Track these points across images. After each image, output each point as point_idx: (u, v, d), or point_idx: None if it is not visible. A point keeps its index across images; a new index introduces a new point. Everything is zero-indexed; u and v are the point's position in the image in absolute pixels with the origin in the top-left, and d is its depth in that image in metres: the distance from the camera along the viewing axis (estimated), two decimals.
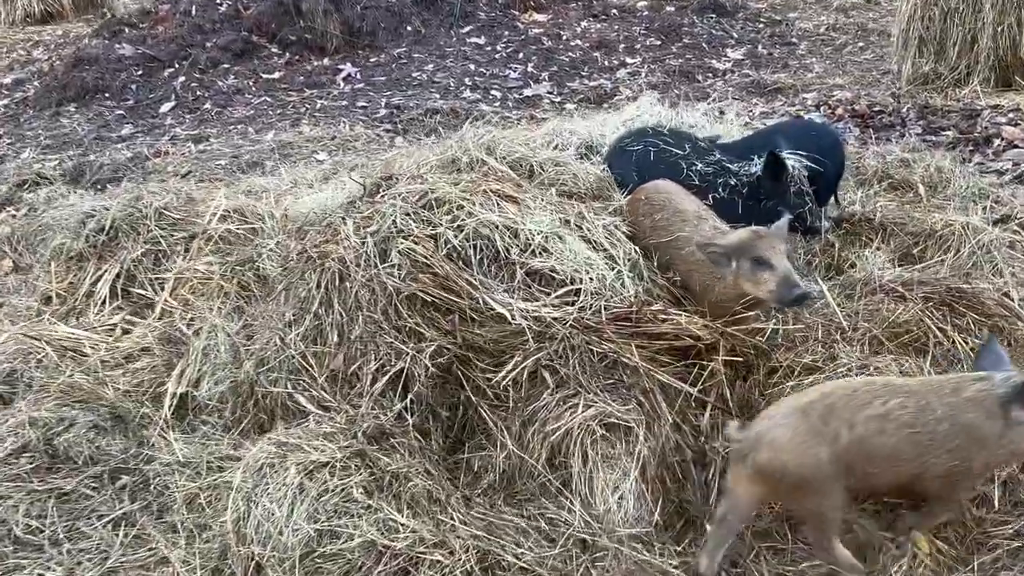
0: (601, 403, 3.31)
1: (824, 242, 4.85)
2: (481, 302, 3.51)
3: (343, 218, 3.92)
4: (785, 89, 8.77)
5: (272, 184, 6.22)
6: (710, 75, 9.52)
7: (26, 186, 6.90)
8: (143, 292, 4.58)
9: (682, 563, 3.09)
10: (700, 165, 4.47)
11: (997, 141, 6.89)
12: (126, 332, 4.39)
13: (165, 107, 8.69)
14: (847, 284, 3.94)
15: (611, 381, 3.40)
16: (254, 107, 8.55)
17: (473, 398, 3.44)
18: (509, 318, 3.45)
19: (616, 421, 3.29)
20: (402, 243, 3.65)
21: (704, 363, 3.55)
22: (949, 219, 4.66)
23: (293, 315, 3.71)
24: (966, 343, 3.65)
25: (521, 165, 4.49)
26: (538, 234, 3.71)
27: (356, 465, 3.15)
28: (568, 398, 3.35)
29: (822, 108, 8.01)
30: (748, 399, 3.54)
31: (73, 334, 4.35)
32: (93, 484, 3.50)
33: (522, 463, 3.31)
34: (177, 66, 9.16)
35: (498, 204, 3.87)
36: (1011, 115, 7.35)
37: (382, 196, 4.00)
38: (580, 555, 3.08)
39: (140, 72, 9.19)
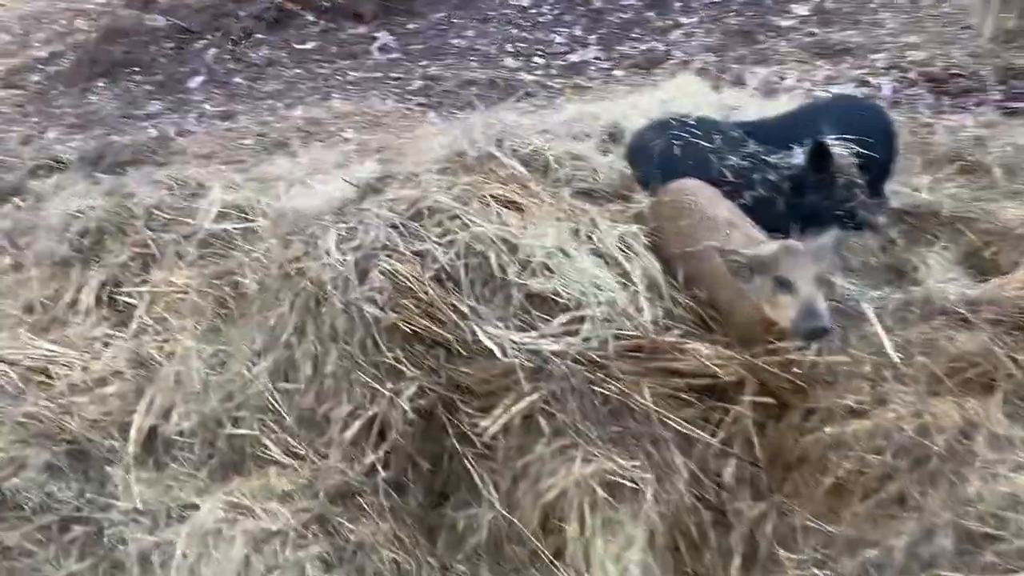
0: (603, 457, 2.83)
1: (884, 239, 4.27)
2: (469, 333, 3.03)
3: (326, 228, 3.47)
4: (854, 49, 8.03)
5: (288, 169, 5.78)
6: (772, 34, 8.79)
7: (41, 171, 6.56)
8: (131, 301, 4.18)
9: None
10: (734, 159, 3.92)
11: None
12: (107, 347, 4.01)
13: (195, 82, 8.31)
14: (901, 305, 3.36)
15: (617, 429, 2.92)
16: (285, 80, 8.13)
17: (458, 447, 2.97)
18: (499, 354, 2.97)
19: (620, 479, 2.79)
20: (384, 262, 3.19)
21: (729, 404, 3.04)
22: None
23: (264, 343, 3.29)
24: None
25: (535, 159, 4.00)
26: (540, 249, 3.22)
27: (314, 533, 2.74)
28: (565, 449, 2.89)
29: (893, 72, 7.31)
30: (780, 447, 3.01)
31: (50, 351, 3.98)
32: (40, 537, 3.13)
33: (511, 526, 2.84)
34: (209, 37, 8.78)
35: (498, 212, 3.39)
36: None
37: (371, 202, 3.54)
38: None
39: (171, 44, 8.83)
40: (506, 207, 3.45)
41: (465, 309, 3.11)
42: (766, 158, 3.95)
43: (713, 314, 3.40)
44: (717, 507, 2.93)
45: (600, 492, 2.79)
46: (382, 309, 3.10)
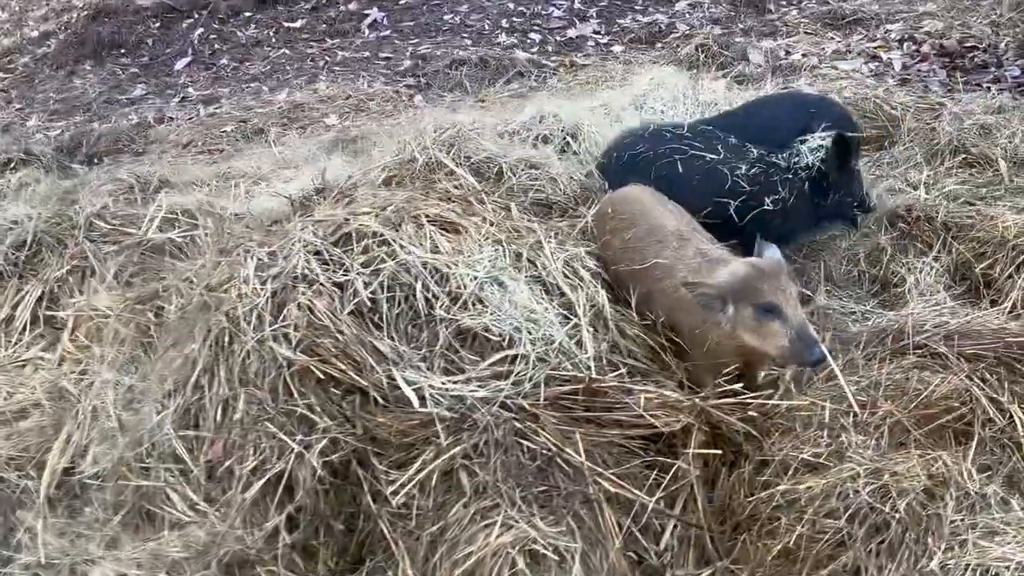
0: (524, 522, 2.54)
1: (874, 246, 3.96)
2: (386, 379, 2.76)
3: (248, 251, 3.20)
4: (867, 20, 7.62)
5: (257, 164, 5.54)
6: (783, 3, 8.39)
7: (12, 165, 6.33)
8: (63, 315, 3.94)
9: None
10: (743, 167, 3.65)
11: None
12: (37, 371, 3.77)
13: (180, 63, 8.06)
14: (873, 337, 3.05)
15: (544, 488, 2.63)
16: (271, 61, 7.85)
17: (372, 508, 2.70)
18: (416, 403, 2.70)
19: (544, 549, 2.51)
20: (302, 295, 2.92)
21: (678, 453, 2.76)
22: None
23: (175, 382, 3.02)
24: None
25: (488, 167, 3.70)
26: (472, 280, 2.93)
27: None
28: (487, 511, 2.60)
29: (906, 44, 6.90)
30: (730, 503, 2.73)
31: None
32: None
33: None
34: (196, 16, 8.50)
35: (432, 236, 3.09)
36: None
37: (296, 223, 3.26)
38: None
39: (158, 24, 8.58)
40: (443, 229, 3.15)
41: (385, 350, 2.83)
42: (775, 161, 3.72)
43: (667, 343, 3.11)
44: (658, 572, 2.65)
45: (521, 562, 2.51)
46: (296, 349, 2.82)
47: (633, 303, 3.17)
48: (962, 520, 2.52)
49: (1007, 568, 2.42)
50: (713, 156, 3.69)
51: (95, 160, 6.62)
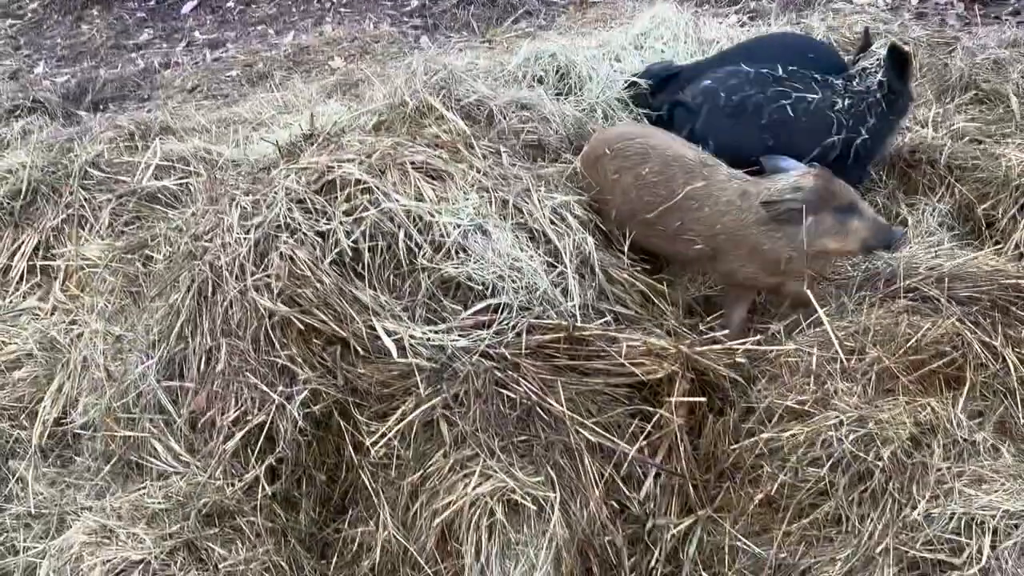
0: (503, 472, 2.52)
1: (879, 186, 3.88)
2: (367, 329, 2.73)
3: (233, 199, 3.16)
4: None
5: (259, 109, 5.48)
6: None
7: (17, 113, 6.31)
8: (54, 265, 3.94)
9: None
10: (840, 103, 3.56)
11: None
12: (32, 321, 3.78)
13: (187, 7, 7.98)
14: (864, 281, 2.98)
15: (524, 438, 2.61)
16: (277, 3, 7.75)
17: (353, 458, 2.69)
18: (395, 353, 2.67)
19: (522, 498, 2.50)
20: (285, 244, 2.88)
21: (661, 401, 2.73)
22: None
23: (159, 332, 3.01)
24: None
25: (479, 109, 3.63)
26: (455, 228, 2.88)
27: (181, 562, 2.48)
28: (466, 461, 2.59)
29: None
30: (714, 451, 2.70)
31: None
32: None
33: (407, 548, 2.57)
34: None
35: (416, 184, 3.04)
36: None
37: (280, 171, 3.21)
38: None
39: None
40: (429, 176, 3.10)
41: (367, 300, 2.79)
42: (859, 89, 3.62)
43: (650, 292, 3.06)
44: (639, 522, 2.63)
45: (499, 512, 2.50)
46: (277, 299, 2.79)
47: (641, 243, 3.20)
48: (949, 468, 2.48)
49: (993, 517, 2.38)
50: (813, 96, 3.55)
51: (100, 107, 6.58)
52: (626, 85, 4.01)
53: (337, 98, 5.38)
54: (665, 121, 3.70)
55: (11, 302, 3.90)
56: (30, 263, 4.00)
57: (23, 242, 4.07)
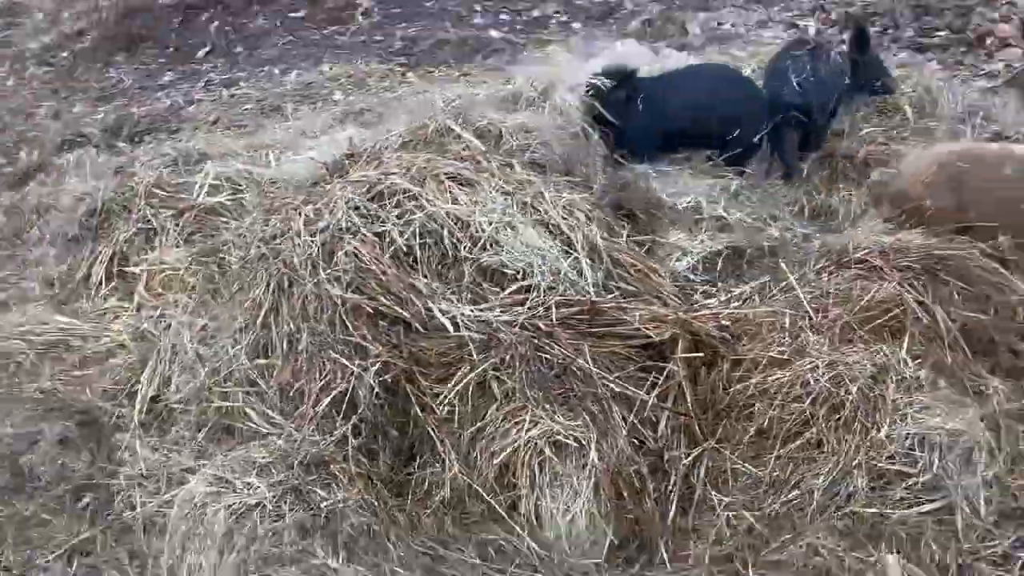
0: (547, 419, 2.63)
1: (810, 184, 4.05)
2: (425, 311, 2.81)
3: (296, 209, 3.21)
4: None
5: (279, 137, 5.48)
6: None
7: (65, 146, 6.22)
8: (136, 273, 3.94)
9: None
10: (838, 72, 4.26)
11: (989, 40, 5.83)
12: (116, 318, 3.78)
13: (201, 52, 7.87)
14: (819, 257, 3.13)
15: (561, 392, 2.71)
16: (280, 48, 7.69)
17: (420, 416, 2.77)
18: (451, 329, 2.75)
19: (566, 439, 2.60)
20: (350, 243, 2.95)
21: (667, 359, 2.84)
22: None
23: (244, 321, 3.06)
24: (951, 317, 2.88)
25: (489, 131, 3.72)
26: (488, 225, 2.97)
27: (290, 503, 2.54)
28: (516, 412, 2.69)
29: (817, 13, 6.90)
30: (712, 396, 2.82)
31: (66, 325, 3.74)
32: (55, 506, 2.95)
33: (471, 485, 2.66)
34: (211, 11, 8.28)
35: (451, 191, 3.12)
36: (1004, 8, 6.24)
37: (336, 184, 3.27)
38: None
39: (179, 19, 8.33)
40: (460, 184, 3.18)
41: (421, 286, 2.87)
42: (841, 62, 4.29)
43: (646, 270, 3.16)
44: (657, 454, 2.75)
45: (547, 451, 2.60)
46: (347, 289, 2.86)
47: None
48: (902, 398, 2.62)
49: (938, 434, 2.54)
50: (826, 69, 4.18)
51: (136, 139, 6.48)
52: (587, 89, 4.16)
53: (349, 125, 5.39)
54: (624, 106, 4.02)
55: (95, 303, 3.89)
56: (108, 270, 3.99)
57: (101, 253, 4.06)
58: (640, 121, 3.99)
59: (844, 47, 4.30)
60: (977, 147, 3.15)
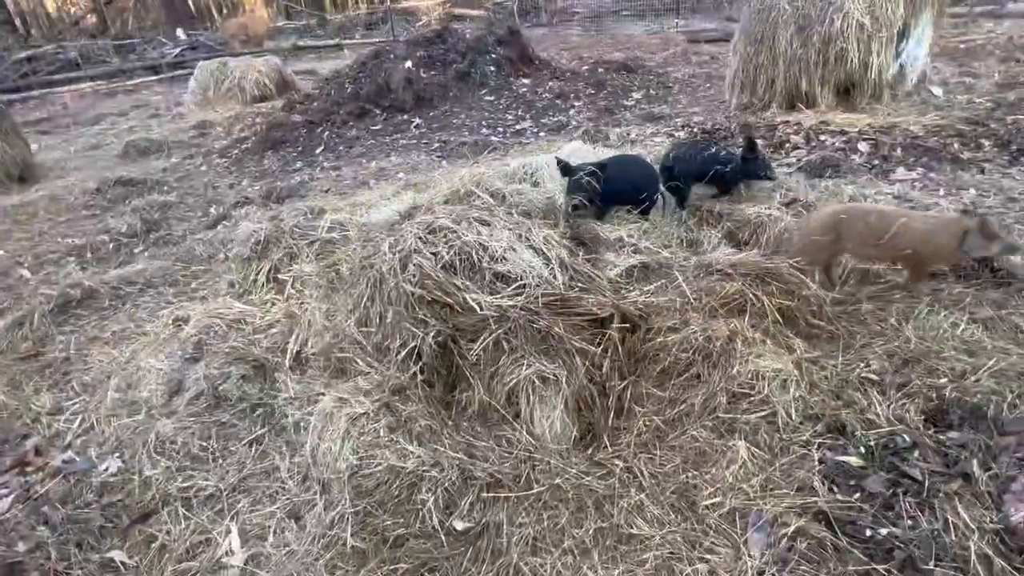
0: (537, 363, 2.61)
1: (688, 228, 4.04)
2: (462, 299, 2.79)
3: (382, 239, 3.18)
4: (665, 117, 7.66)
5: (368, 198, 5.44)
6: (622, 109, 8.38)
7: (238, 204, 6.16)
8: (283, 279, 3.89)
9: (590, 464, 2.45)
10: (723, 154, 4.10)
11: (787, 144, 5.89)
12: (273, 305, 3.73)
13: (319, 150, 7.84)
14: (695, 268, 3.13)
15: (544, 347, 2.70)
16: (365, 147, 7.67)
17: (460, 362, 2.75)
18: (479, 309, 2.73)
19: (547, 375, 2.59)
20: (416, 259, 2.92)
21: (606, 328, 2.83)
22: (759, 211, 3.83)
23: (352, 305, 3.03)
24: (772, 303, 2.89)
25: (496, 194, 3.69)
26: (500, 248, 2.96)
27: (384, 412, 2.51)
28: (518, 360, 2.67)
29: (685, 128, 6.95)
30: (633, 350, 2.82)
31: (243, 309, 3.69)
32: (240, 416, 2.91)
33: (491, 403, 2.64)
34: (324, 125, 8.25)
35: (477, 227, 3.10)
36: (795, 127, 6.31)
37: (406, 224, 3.24)
38: (526, 464, 2.45)
39: (304, 130, 8.29)
40: (481, 223, 3.16)
41: (459, 284, 2.85)
42: (733, 154, 4.08)
43: (592, 275, 3.14)
44: (602, 384, 2.74)
45: (537, 382, 2.59)
46: (416, 286, 2.84)
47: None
48: (746, 350, 2.63)
49: (767, 372, 2.55)
50: (714, 152, 4.08)
51: (280, 200, 6.42)
52: (559, 163, 4.15)
53: (409, 191, 5.37)
54: (596, 182, 3.92)
55: (260, 297, 3.84)
56: (268, 276, 3.94)
57: (262, 267, 4.01)
58: (604, 190, 3.94)
59: (740, 150, 4.07)
60: (853, 205, 3.11)
